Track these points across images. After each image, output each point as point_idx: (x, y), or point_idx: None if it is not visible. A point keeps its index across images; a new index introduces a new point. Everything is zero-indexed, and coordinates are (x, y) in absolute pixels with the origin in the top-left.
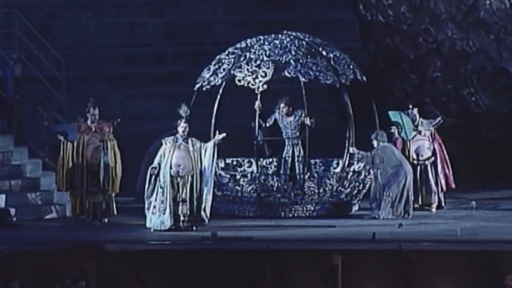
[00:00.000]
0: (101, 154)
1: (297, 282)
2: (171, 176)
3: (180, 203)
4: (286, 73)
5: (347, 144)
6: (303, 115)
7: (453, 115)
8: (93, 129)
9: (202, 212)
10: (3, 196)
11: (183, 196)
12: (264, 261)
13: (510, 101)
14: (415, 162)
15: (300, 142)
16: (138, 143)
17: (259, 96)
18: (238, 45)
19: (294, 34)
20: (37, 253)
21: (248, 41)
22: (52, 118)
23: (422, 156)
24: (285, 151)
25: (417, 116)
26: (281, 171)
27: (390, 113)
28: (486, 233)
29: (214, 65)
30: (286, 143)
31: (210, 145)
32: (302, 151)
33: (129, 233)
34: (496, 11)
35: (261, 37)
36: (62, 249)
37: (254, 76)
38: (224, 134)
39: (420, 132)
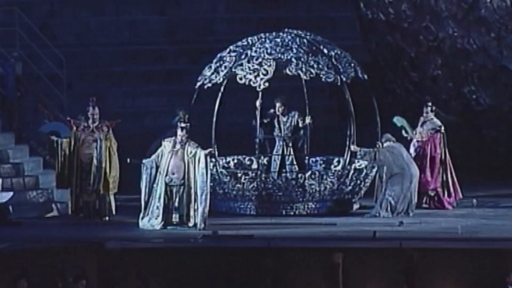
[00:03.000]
0: (93, 153)
1: (298, 281)
2: (165, 183)
3: (173, 211)
4: (287, 71)
5: (348, 142)
6: (297, 116)
7: (454, 113)
8: (91, 128)
9: (198, 223)
10: (10, 193)
11: (176, 204)
12: (265, 259)
13: (511, 99)
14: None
15: (291, 142)
16: (139, 140)
17: (260, 94)
18: (239, 43)
19: (295, 32)
20: (38, 251)
21: (249, 39)
22: (53, 115)
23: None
24: (275, 150)
25: (428, 114)
26: (270, 169)
27: (395, 119)
28: (487, 231)
29: (215, 63)
30: (277, 142)
31: (202, 158)
32: (292, 151)
33: (130, 231)
34: (497, 9)
35: (262, 35)
36: (63, 247)
37: (255, 74)
38: (212, 149)
39: (420, 133)
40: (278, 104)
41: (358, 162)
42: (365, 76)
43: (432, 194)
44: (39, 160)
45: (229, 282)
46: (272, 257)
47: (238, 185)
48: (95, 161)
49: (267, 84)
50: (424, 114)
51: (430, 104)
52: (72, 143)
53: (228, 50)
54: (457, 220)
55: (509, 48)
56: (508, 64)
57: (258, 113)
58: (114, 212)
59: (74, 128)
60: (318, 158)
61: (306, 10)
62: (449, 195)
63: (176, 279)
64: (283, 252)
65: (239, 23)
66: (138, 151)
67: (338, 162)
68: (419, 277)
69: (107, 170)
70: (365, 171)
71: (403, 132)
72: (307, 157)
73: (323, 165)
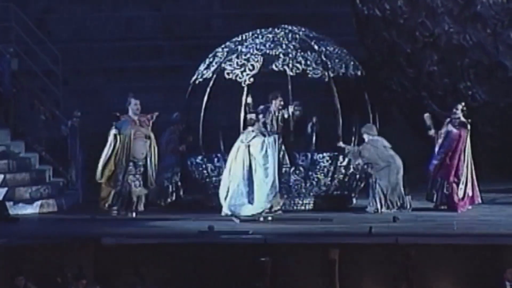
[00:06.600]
0: (147, 149)
1: (295, 277)
2: None
3: None
4: (274, 66)
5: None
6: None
7: (450, 109)
8: (137, 122)
9: None
10: (4, 189)
11: None
12: (261, 254)
13: (507, 95)
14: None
15: (281, 137)
16: None
17: (245, 89)
18: (234, 39)
19: (289, 28)
20: (36, 247)
21: (245, 34)
22: (49, 112)
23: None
24: None
25: (457, 112)
26: None
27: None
28: (483, 227)
29: (209, 58)
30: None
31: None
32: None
33: (126, 227)
34: (493, 5)
35: (258, 31)
36: (59, 243)
37: (242, 69)
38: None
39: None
40: (279, 99)
41: (343, 158)
42: (358, 73)
43: (447, 192)
44: (35, 156)
45: (225, 277)
46: (268, 253)
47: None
48: (150, 158)
49: (252, 79)
50: (455, 111)
51: (463, 104)
52: (123, 138)
53: (223, 45)
54: (453, 216)
55: (505, 44)
56: (504, 60)
57: (242, 109)
58: None
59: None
60: (325, 154)
61: (303, 6)
62: (463, 197)
63: (173, 275)
64: (279, 248)
65: (235, 19)
66: None
67: (344, 158)
68: (416, 273)
69: (157, 165)
70: (351, 166)
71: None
72: (315, 153)
73: (329, 161)
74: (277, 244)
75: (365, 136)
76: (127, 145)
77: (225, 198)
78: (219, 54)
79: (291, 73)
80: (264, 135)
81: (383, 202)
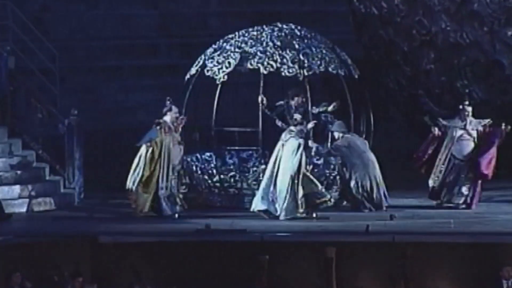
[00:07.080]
0: (181, 155)
1: (292, 275)
2: None
3: None
4: (248, 64)
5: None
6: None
7: (447, 107)
8: (173, 129)
9: None
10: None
11: None
12: (258, 253)
13: (504, 93)
14: (455, 161)
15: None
16: (131, 135)
17: (219, 87)
18: (225, 37)
19: (280, 25)
20: (32, 245)
21: (236, 33)
22: (46, 110)
23: (463, 156)
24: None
25: (469, 113)
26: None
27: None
28: (480, 225)
29: (200, 56)
30: None
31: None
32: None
33: (124, 225)
34: (490, 3)
35: (250, 29)
36: (56, 241)
37: (219, 67)
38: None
39: (467, 131)
40: (301, 95)
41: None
42: (341, 72)
43: (466, 192)
44: (32, 154)
45: (222, 275)
46: (265, 251)
47: (205, 177)
48: (183, 163)
49: (226, 77)
50: (467, 113)
51: (467, 103)
52: (162, 146)
53: (216, 43)
54: (450, 214)
55: (502, 42)
56: (501, 58)
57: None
58: None
59: (164, 130)
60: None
61: (300, 4)
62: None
63: (170, 273)
64: (276, 246)
65: (232, 17)
66: (130, 146)
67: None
68: (413, 271)
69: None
70: (320, 166)
71: (432, 129)
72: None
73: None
74: (274, 242)
75: (335, 135)
76: (168, 152)
77: (258, 194)
78: (208, 52)
79: (264, 71)
80: (302, 138)
81: (370, 201)
